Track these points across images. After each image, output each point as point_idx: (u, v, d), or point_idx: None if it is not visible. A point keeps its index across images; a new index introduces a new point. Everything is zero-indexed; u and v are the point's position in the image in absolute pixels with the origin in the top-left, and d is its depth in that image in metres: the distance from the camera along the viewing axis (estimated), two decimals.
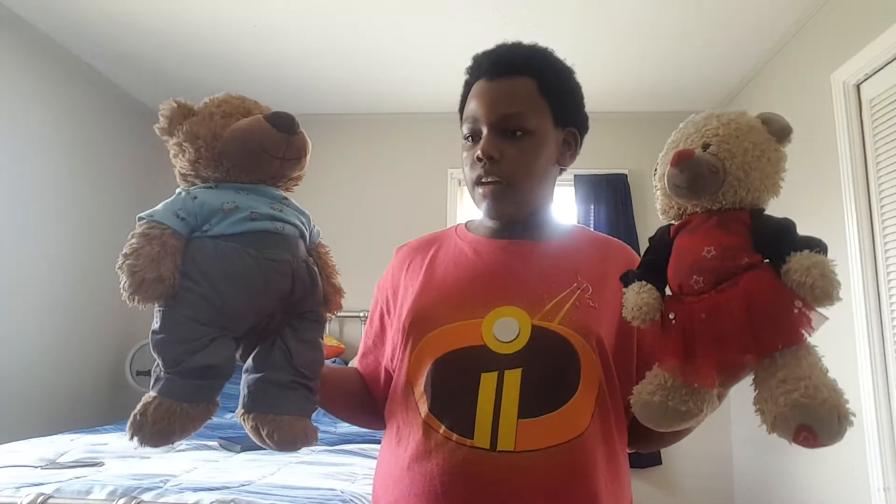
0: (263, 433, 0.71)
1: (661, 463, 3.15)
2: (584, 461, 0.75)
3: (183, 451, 2.10)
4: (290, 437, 0.71)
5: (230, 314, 0.70)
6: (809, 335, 0.60)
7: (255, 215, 0.72)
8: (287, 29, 2.65)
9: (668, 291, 0.70)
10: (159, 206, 0.71)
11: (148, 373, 3.37)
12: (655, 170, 0.76)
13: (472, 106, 0.87)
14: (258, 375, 0.73)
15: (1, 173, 2.49)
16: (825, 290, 0.58)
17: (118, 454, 1.94)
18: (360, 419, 0.99)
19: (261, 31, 2.68)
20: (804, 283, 0.58)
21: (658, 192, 0.75)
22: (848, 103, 2.13)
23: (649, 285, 0.68)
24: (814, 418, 0.57)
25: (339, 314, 3.53)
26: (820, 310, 0.60)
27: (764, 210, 0.68)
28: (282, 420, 0.71)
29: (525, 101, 0.85)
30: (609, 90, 3.18)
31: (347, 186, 3.55)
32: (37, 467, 1.69)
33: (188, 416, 0.67)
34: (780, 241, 0.63)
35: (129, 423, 0.66)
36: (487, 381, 0.76)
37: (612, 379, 0.81)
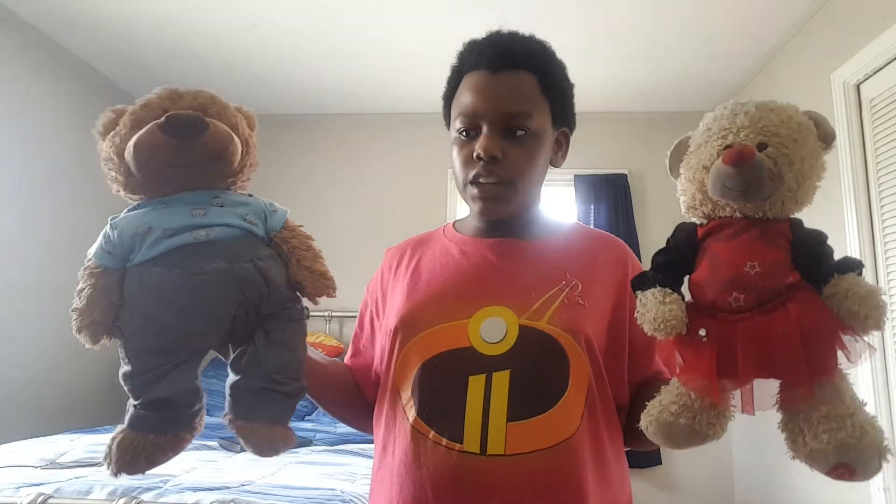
0: (243, 440, 0.70)
1: (661, 463, 3.15)
2: (575, 463, 0.73)
3: (183, 451, 2.10)
4: (260, 445, 0.70)
5: (179, 339, 0.67)
6: (855, 364, 0.58)
7: (169, 232, 0.66)
8: (287, 29, 2.65)
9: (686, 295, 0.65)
10: (95, 243, 0.69)
11: None
12: (683, 153, 0.69)
13: (470, 99, 0.82)
14: (234, 380, 0.72)
15: (1, 172, 2.49)
16: (876, 321, 0.56)
17: None
18: (350, 417, 0.97)
19: (261, 31, 2.68)
20: (857, 314, 0.56)
21: (687, 184, 0.67)
22: (848, 103, 2.13)
23: (675, 295, 0.62)
24: (857, 459, 0.55)
25: (337, 314, 3.48)
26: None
27: (802, 221, 0.63)
28: (253, 427, 0.69)
29: (529, 99, 0.81)
30: (609, 90, 3.17)
31: (347, 186, 3.55)
32: (37, 467, 1.69)
33: (154, 446, 0.66)
34: (820, 259, 0.60)
35: (107, 457, 0.66)
36: (475, 383, 0.74)
37: (601, 378, 0.79)
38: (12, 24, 2.54)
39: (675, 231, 0.67)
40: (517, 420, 0.72)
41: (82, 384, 2.96)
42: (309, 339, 2.82)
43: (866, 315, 0.56)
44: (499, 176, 0.80)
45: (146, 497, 1.41)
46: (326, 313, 3.32)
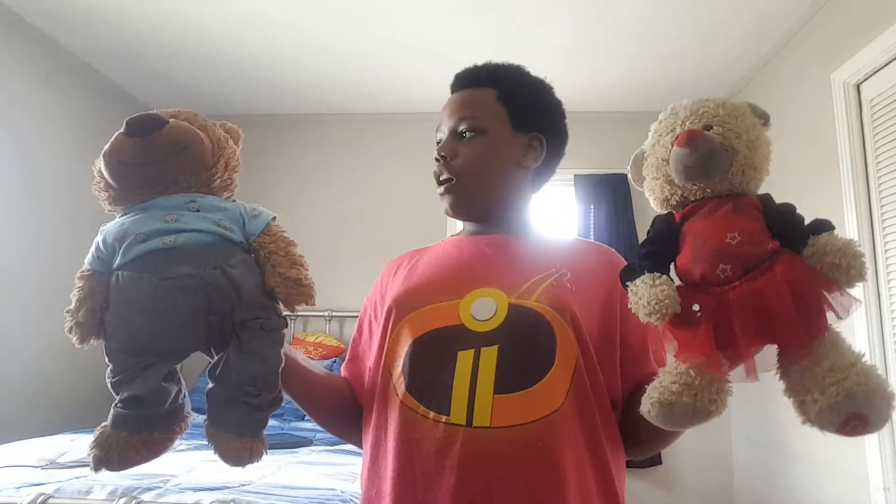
0: (213, 448, 0.73)
1: (661, 463, 3.15)
2: (555, 438, 0.74)
3: (183, 451, 2.10)
4: (225, 455, 0.72)
5: (148, 341, 0.69)
6: (844, 318, 0.60)
7: (141, 237, 0.68)
8: (287, 29, 2.65)
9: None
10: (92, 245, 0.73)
11: None
12: (641, 160, 0.75)
13: (440, 118, 0.96)
14: (209, 387, 0.73)
15: (0, 173, 2.49)
16: (858, 270, 0.58)
17: None
18: (338, 425, 0.98)
19: (260, 32, 2.68)
20: (839, 265, 0.58)
21: (653, 182, 0.72)
22: (848, 103, 2.13)
23: (664, 276, 0.64)
24: (868, 406, 0.56)
25: (337, 314, 3.48)
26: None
27: (771, 195, 0.67)
28: (221, 437, 0.72)
29: (479, 106, 0.92)
30: (609, 90, 3.17)
31: (346, 187, 3.55)
32: (37, 467, 1.69)
33: (127, 444, 0.69)
34: (793, 225, 0.63)
35: (90, 453, 0.70)
36: (464, 358, 0.76)
37: (589, 358, 0.80)
38: (12, 24, 2.54)
39: (653, 223, 0.71)
40: (504, 393, 0.74)
41: (82, 384, 2.95)
42: (309, 339, 2.85)
43: (848, 265, 0.58)
44: (450, 172, 0.92)
45: (146, 497, 1.41)
46: (326, 313, 3.32)
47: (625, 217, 3.31)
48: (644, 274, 0.65)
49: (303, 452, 2.18)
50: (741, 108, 0.68)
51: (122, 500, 1.36)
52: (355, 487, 1.67)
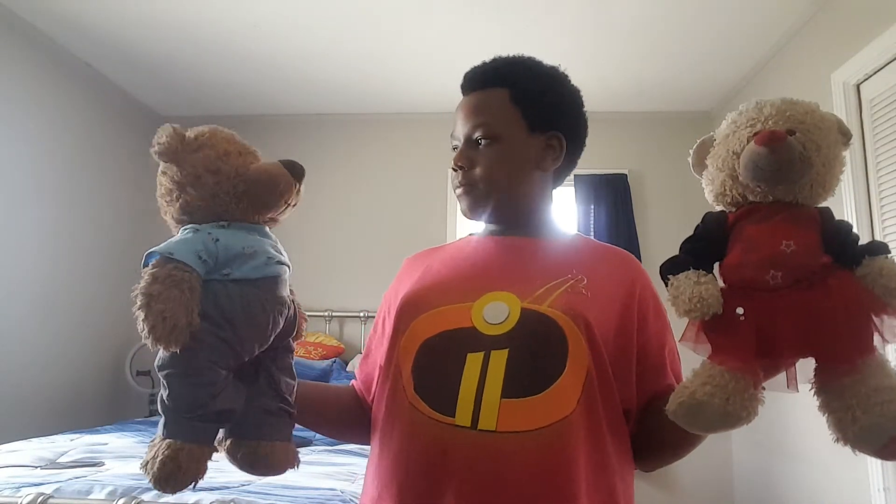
0: (256, 459, 0.73)
1: None
2: (564, 447, 0.72)
3: None
4: (282, 462, 0.75)
5: (241, 355, 0.71)
6: (890, 342, 0.59)
7: (270, 260, 0.74)
8: (287, 29, 2.65)
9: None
10: (175, 244, 0.68)
11: (147, 373, 3.34)
12: (707, 150, 0.70)
13: (454, 121, 0.93)
14: (254, 402, 0.74)
15: (0, 173, 2.49)
16: None
17: (118, 454, 1.94)
18: (348, 434, 1.00)
19: (261, 31, 2.68)
20: (894, 289, 0.57)
21: (715, 174, 0.68)
22: (848, 103, 2.13)
23: (710, 275, 0.62)
24: None
25: (337, 314, 3.49)
26: None
27: (831, 209, 0.65)
28: (274, 446, 0.74)
29: (492, 111, 0.89)
30: (609, 90, 3.17)
31: (347, 187, 3.55)
32: (37, 467, 1.69)
33: (206, 457, 0.69)
34: (850, 243, 0.62)
35: (157, 472, 0.65)
36: (473, 360, 0.75)
37: (602, 366, 0.78)
38: (12, 24, 2.54)
39: (703, 219, 0.68)
40: (512, 398, 0.73)
41: (82, 384, 2.96)
42: (309, 339, 2.86)
43: None
44: (468, 182, 0.89)
45: (146, 497, 1.41)
46: (326, 313, 3.32)
47: (624, 217, 3.30)
48: (689, 270, 0.64)
49: (303, 452, 2.16)
50: (828, 121, 0.65)
51: (122, 500, 1.36)
52: (355, 487, 1.67)
